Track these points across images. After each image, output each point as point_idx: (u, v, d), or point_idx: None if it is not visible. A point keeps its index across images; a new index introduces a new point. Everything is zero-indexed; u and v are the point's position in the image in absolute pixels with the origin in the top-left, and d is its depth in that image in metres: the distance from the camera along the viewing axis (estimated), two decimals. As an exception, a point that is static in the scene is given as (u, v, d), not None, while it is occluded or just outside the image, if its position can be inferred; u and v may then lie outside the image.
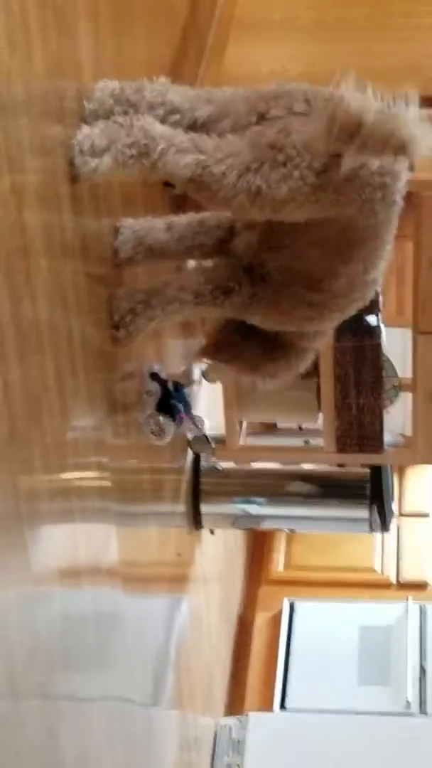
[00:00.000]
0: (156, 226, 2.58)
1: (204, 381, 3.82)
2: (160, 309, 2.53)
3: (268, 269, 2.46)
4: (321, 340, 2.70)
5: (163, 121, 2.23)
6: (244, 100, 2.23)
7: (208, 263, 2.63)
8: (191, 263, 2.86)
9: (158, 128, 2.18)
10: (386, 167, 2.17)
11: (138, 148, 2.15)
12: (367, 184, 2.16)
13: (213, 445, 3.62)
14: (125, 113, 2.20)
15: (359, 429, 3.46)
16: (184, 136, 2.18)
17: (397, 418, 3.76)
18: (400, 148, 2.01)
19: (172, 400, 3.03)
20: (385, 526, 3.98)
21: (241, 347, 2.66)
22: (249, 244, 2.47)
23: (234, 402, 3.51)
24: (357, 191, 2.16)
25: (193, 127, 2.25)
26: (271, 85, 2.23)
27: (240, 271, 2.51)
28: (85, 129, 2.14)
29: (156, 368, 2.99)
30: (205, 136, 2.20)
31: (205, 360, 2.72)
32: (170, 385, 3.04)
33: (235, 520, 4.08)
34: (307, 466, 4.00)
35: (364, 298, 2.50)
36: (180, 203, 3.02)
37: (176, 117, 2.26)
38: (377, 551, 5.35)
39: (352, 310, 2.53)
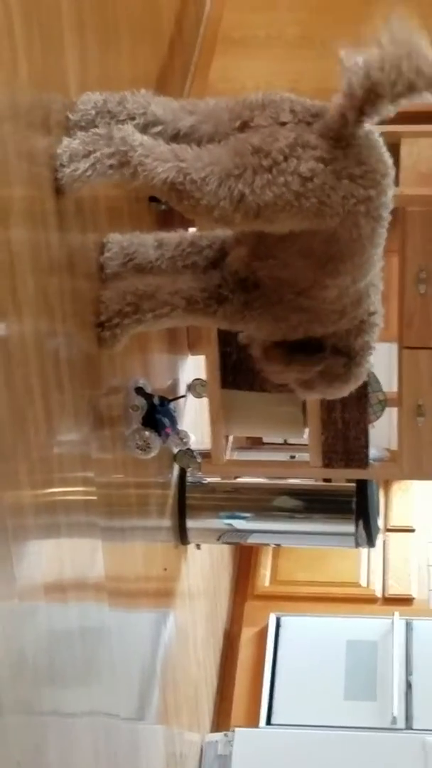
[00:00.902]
0: (146, 242, 2.56)
1: (190, 395, 3.82)
2: (150, 313, 2.49)
3: (259, 276, 2.45)
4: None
5: (144, 131, 2.24)
6: (228, 110, 2.24)
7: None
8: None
9: (138, 138, 2.18)
10: (373, 179, 2.17)
11: (117, 157, 2.15)
12: (351, 195, 2.17)
13: (199, 459, 3.62)
14: (107, 125, 2.21)
15: (345, 444, 3.46)
16: (164, 147, 2.18)
17: (383, 432, 3.77)
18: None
19: (157, 414, 3.03)
20: (371, 541, 3.98)
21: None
22: (240, 257, 2.46)
23: (220, 416, 3.51)
24: (341, 202, 2.17)
25: (176, 138, 2.25)
26: (256, 93, 2.23)
27: (232, 281, 2.49)
28: (66, 141, 2.15)
29: (141, 383, 2.99)
30: (185, 146, 2.20)
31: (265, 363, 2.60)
32: (156, 400, 3.04)
33: (221, 535, 4.08)
34: (293, 481, 4.00)
35: (362, 303, 2.46)
36: (166, 219, 3.03)
37: (159, 128, 2.26)
38: (363, 566, 5.36)
39: (351, 312, 2.46)
